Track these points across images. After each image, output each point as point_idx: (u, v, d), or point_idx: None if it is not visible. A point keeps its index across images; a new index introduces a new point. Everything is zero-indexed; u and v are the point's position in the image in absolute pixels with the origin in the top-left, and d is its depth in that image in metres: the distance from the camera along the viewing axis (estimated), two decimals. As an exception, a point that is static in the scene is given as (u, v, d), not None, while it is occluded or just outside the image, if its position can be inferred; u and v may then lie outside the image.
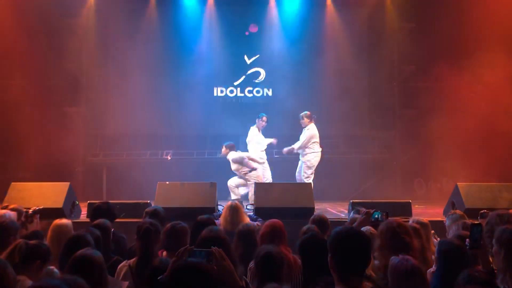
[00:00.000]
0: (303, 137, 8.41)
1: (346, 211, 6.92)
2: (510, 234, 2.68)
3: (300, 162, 8.54)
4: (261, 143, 8.64)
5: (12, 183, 7.18)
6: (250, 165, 8.23)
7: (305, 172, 8.42)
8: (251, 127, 8.71)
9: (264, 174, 8.61)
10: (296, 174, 8.59)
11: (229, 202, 4.98)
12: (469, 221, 3.39)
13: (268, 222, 3.69)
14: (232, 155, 8.30)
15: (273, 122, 10.68)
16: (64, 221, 4.01)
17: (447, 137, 10.01)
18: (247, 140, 8.70)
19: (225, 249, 2.81)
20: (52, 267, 3.13)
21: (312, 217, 4.48)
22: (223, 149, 8.46)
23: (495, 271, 2.75)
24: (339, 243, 2.32)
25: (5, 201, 6.46)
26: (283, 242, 3.47)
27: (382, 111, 10.46)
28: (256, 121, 8.71)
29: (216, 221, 4.92)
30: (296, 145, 8.41)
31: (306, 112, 8.47)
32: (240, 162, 8.25)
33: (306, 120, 8.41)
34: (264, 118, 8.68)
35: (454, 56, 9.67)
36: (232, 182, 8.42)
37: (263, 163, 8.67)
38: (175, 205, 6.41)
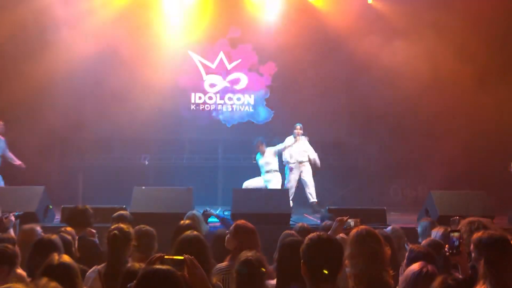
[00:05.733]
0: (309, 146, 9.01)
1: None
2: (487, 240, 2.72)
3: (307, 167, 9.01)
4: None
5: (-16, 186, 7.05)
6: None
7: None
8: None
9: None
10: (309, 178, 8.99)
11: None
12: (448, 228, 3.45)
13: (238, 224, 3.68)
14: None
15: (255, 129, 10.77)
16: (31, 226, 3.95)
17: (422, 145, 10.20)
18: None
19: (202, 254, 2.83)
20: (20, 271, 3.08)
21: (295, 228, 4.47)
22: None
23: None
24: (311, 250, 2.36)
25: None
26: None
27: (359, 117, 10.57)
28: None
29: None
30: (315, 156, 9.07)
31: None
32: None
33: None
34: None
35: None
36: None
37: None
38: (151, 211, 6.37)
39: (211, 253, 3.05)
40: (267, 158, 9.02)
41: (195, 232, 3.13)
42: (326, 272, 2.66)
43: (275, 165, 9.02)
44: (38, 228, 3.93)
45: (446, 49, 9.85)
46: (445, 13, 9.86)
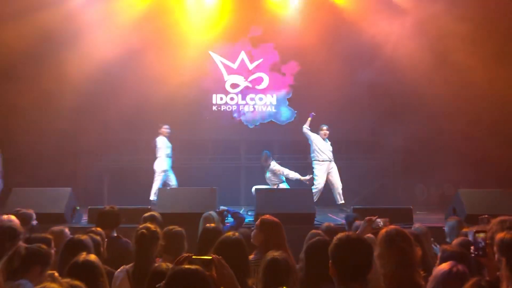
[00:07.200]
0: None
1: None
2: (510, 240, 2.65)
3: (335, 168, 9.06)
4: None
5: (14, 188, 7.21)
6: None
7: None
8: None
9: None
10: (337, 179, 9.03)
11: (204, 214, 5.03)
12: (473, 229, 3.36)
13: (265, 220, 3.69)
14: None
15: (278, 129, 10.75)
16: (60, 227, 4.03)
17: (449, 143, 10.01)
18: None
19: (242, 257, 2.85)
20: (53, 272, 3.13)
21: (321, 228, 4.45)
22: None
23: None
24: (340, 249, 2.34)
25: (6, 206, 6.48)
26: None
27: (383, 116, 10.42)
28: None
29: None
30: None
31: None
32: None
33: None
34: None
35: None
36: None
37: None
38: (176, 211, 6.43)
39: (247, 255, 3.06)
40: (271, 175, 9.13)
41: (237, 234, 3.13)
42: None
43: (278, 179, 9.15)
44: (67, 230, 4.00)
45: (461, 32, 9.60)
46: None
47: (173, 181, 9.41)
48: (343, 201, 8.95)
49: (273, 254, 2.92)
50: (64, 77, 9.64)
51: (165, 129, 9.43)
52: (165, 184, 9.37)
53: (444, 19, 9.68)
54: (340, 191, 9.01)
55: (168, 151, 9.41)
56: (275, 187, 9.03)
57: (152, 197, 9.03)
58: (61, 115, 9.80)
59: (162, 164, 9.32)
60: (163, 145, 9.36)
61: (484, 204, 6.59)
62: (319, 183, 8.95)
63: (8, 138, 9.64)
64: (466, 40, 9.49)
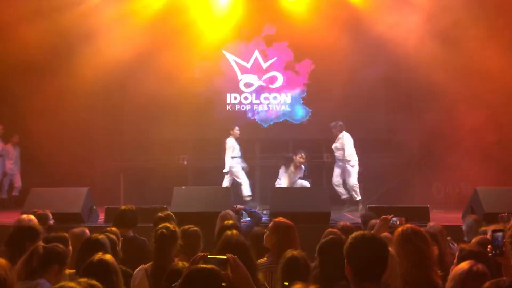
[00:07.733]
0: (347, 144, 8.91)
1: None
2: None
3: (338, 169, 9.02)
4: None
5: (32, 188, 7.32)
6: None
7: (354, 177, 8.88)
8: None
9: None
10: (338, 178, 8.98)
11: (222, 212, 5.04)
12: (492, 227, 3.31)
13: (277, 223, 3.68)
14: None
15: (292, 128, 10.73)
16: (81, 228, 4.07)
17: (465, 141, 9.86)
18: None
19: (245, 255, 2.85)
20: (73, 271, 3.17)
21: (337, 227, 4.43)
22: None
23: None
24: (355, 249, 2.32)
25: (25, 206, 6.59)
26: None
27: (399, 114, 10.32)
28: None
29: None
30: (348, 156, 8.88)
31: (338, 121, 9.06)
32: None
33: (339, 128, 9.01)
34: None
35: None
36: None
37: None
38: (191, 210, 6.45)
39: (254, 255, 3.06)
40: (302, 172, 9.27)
41: (235, 232, 3.13)
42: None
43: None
44: (87, 231, 4.04)
45: (476, 22, 9.42)
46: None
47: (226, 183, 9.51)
48: (358, 199, 8.89)
49: (292, 252, 2.94)
50: (81, 77, 9.73)
51: (237, 130, 9.54)
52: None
53: (458, 10, 9.53)
54: (357, 190, 8.95)
55: (237, 152, 9.50)
56: (297, 179, 9.11)
57: (247, 192, 9.42)
58: (77, 115, 9.91)
59: (232, 164, 9.44)
60: (232, 146, 9.46)
61: (503, 202, 6.47)
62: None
63: (26, 139, 9.80)
64: (481, 30, 9.34)
